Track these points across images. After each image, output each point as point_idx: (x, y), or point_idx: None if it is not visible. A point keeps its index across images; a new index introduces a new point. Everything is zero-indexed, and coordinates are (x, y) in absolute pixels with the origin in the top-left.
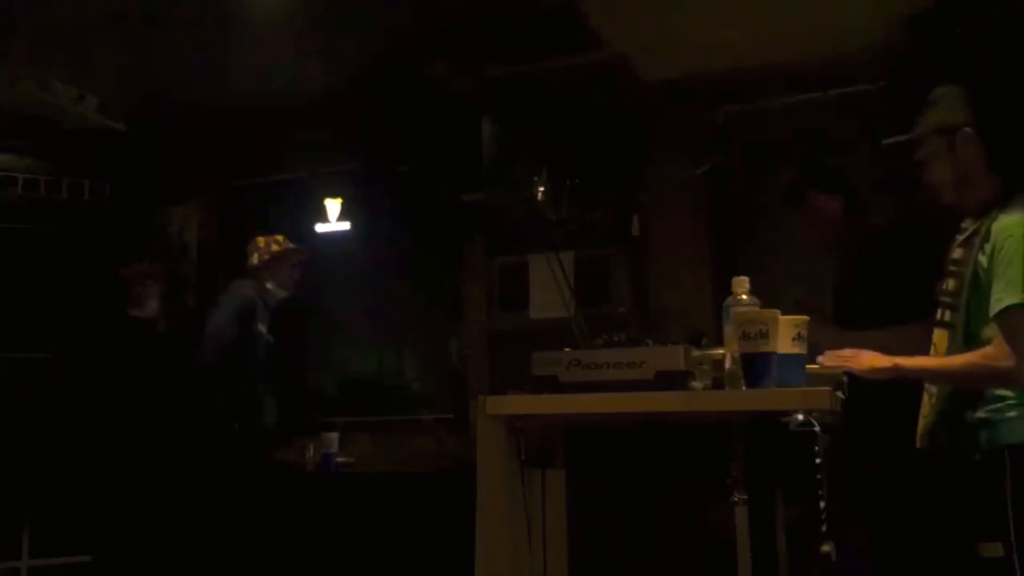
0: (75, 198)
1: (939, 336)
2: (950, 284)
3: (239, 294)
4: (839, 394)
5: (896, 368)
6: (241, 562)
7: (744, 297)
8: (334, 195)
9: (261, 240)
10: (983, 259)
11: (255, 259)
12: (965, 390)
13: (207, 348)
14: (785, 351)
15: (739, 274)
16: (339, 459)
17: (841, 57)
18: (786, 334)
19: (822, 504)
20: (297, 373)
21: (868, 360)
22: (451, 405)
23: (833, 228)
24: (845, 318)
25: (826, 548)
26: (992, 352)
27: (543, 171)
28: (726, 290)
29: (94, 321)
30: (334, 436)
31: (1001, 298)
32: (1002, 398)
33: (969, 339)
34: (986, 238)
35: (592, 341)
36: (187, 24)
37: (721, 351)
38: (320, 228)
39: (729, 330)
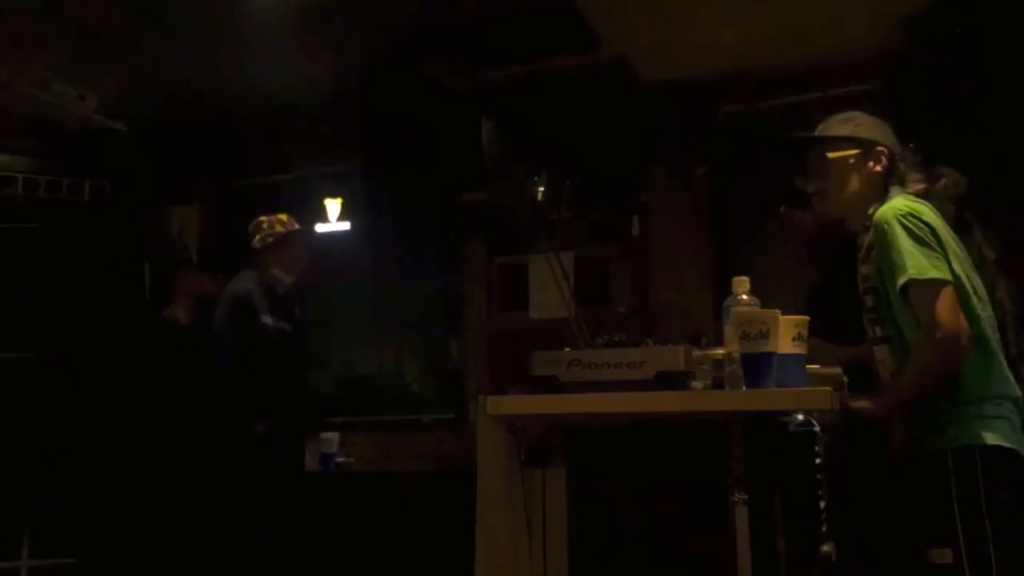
0: (75, 198)
1: (880, 351)
2: (868, 301)
3: (231, 292)
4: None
5: (877, 405)
6: (240, 562)
7: (744, 297)
8: (334, 195)
9: (264, 221)
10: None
11: (257, 241)
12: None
13: (216, 354)
14: (785, 351)
15: (739, 274)
16: (339, 459)
17: (841, 57)
18: (786, 334)
19: (822, 504)
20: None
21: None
22: (451, 405)
23: (807, 242)
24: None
25: (826, 548)
26: (921, 341)
27: (543, 171)
28: (726, 290)
29: (101, 319)
30: (334, 436)
31: (896, 285)
32: (944, 400)
33: (907, 348)
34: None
35: (592, 341)
36: (187, 24)
37: (721, 351)
38: (320, 228)
39: (729, 330)
